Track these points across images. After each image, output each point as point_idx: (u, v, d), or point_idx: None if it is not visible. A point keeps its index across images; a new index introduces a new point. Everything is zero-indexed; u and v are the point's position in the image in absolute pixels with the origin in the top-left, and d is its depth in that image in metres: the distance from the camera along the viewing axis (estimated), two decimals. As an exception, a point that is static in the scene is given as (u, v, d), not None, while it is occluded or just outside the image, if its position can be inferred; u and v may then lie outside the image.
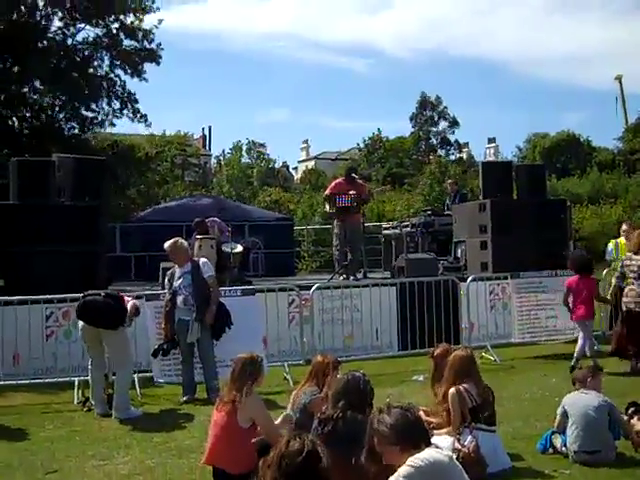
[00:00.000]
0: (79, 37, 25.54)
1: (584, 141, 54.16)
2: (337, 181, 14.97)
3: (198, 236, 13.27)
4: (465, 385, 6.46)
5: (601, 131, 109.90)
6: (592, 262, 11.08)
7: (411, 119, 57.82)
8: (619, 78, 62.05)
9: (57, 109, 25.90)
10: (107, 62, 25.87)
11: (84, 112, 25.90)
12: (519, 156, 54.49)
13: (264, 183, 45.62)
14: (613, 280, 11.19)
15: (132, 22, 25.29)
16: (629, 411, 6.91)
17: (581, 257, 11.23)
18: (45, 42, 24.38)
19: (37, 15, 23.94)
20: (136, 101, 26.27)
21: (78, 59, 25.27)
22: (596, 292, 10.82)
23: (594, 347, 10.63)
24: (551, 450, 6.59)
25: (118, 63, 25.72)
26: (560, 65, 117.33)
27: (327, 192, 14.61)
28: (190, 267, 9.45)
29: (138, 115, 26.41)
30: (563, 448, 6.47)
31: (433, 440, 4.73)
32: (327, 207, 14.46)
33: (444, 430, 6.48)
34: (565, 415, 6.56)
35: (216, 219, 14.42)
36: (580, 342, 10.38)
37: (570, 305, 10.65)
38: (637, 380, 9.46)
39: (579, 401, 6.53)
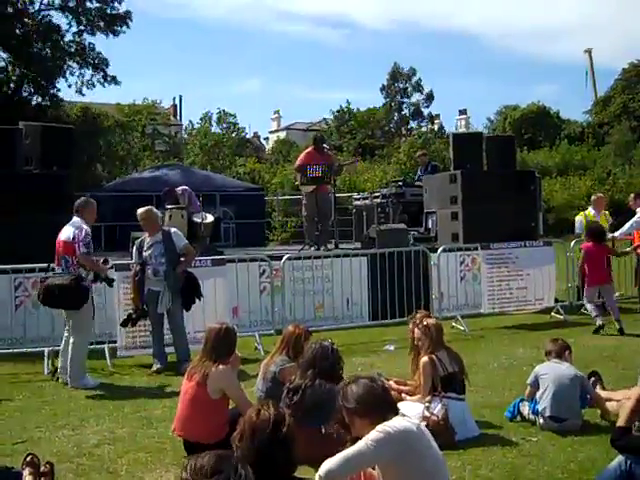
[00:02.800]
0: (45, 1, 25.18)
1: (553, 113, 54.40)
2: (307, 151, 14.83)
3: (168, 206, 13.19)
4: (438, 354, 6.51)
5: (571, 104, 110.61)
6: (605, 230, 11.96)
7: (381, 90, 57.55)
8: (589, 51, 62.42)
9: (23, 79, 25.50)
10: (74, 27, 25.52)
11: (49, 85, 25.60)
12: (490, 128, 54.65)
13: (236, 153, 45.32)
14: None
15: None
16: (591, 380, 7.01)
17: (596, 226, 11.90)
18: (9, 8, 23.91)
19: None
20: (107, 64, 25.96)
21: (42, 27, 24.82)
22: (614, 252, 11.86)
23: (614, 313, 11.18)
24: (519, 418, 6.68)
25: (85, 27, 25.33)
26: (532, 38, 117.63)
27: (298, 163, 14.55)
28: (161, 237, 9.39)
29: (108, 78, 26.14)
30: (531, 415, 6.56)
31: (402, 406, 4.77)
32: (299, 179, 14.40)
33: (415, 397, 6.54)
34: (536, 384, 6.62)
35: (187, 188, 14.32)
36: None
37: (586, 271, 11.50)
38: (603, 351, 9.61)
39: (554, 370, 6.58)
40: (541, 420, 6.44)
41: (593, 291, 11.46)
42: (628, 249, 12.39)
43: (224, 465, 2.91)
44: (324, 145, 14.60)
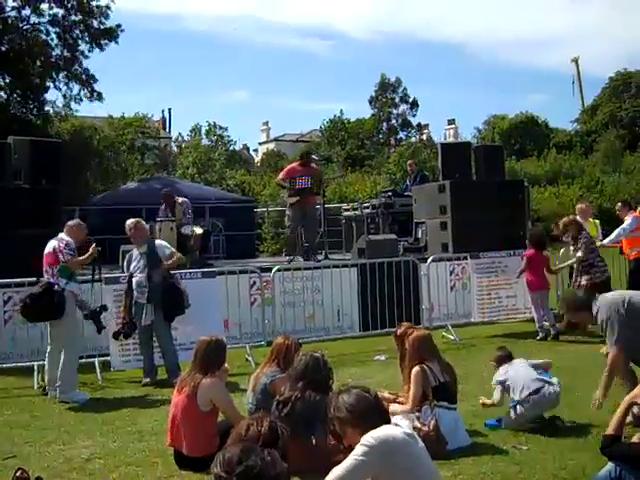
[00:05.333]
0: (32, 19, 25.19)
1: (542, 123, 54.66)
2: (291, 166, 14.92)
3: (158, 219, 13.22)
4: (428, 364, 6.52)
5: (559, 113, 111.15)
6: (545, 239, 12.17)
7: (370, 102, 57.73)
8: (576, 60, 62.91)
9: (11, 93, 25.46)
10: (62, 43, 25.51)
11: (38, 99, 25.60)
12: (478, 137, 54.85)
13: (226, 166, 45.32)
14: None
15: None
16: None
17: (538, 233, 12.26)
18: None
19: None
20: (94, 80, 25.99)
21: (30, 43, 24.84)
22: (548, 265, 11.82)
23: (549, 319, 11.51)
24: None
25: (73, 42, 25.36)
26: (519, 47, 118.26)
27: (281, 177, 14.64)
28: (146, 249, 9.41)
29: (95, 94, 26.16)
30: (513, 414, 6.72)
31: (394, 419, 4.77)
32: (285, 192, 14.35)
33: (404, 407, 6.52)
34: (504, 389, 6.84)
35: (187, 201, 14.30)
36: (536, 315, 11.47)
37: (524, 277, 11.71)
38: (596, 358, 9.61)
39: (511, 370, 6.89)
40: (523, 409, 6.62)
41: (535, 297, 11.57)
42: (561, 265, 12.26)
43: (250, 452, 2.97)
44: (314, 157, 14.66)
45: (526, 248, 12.98)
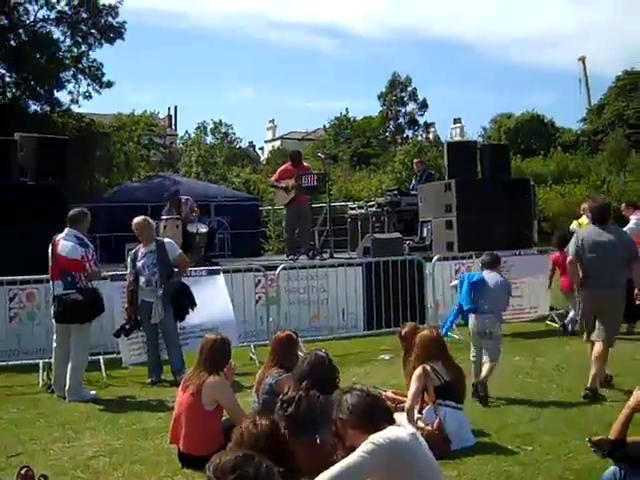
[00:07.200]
0: (40, 14, 25.24)
1: (548, 122, 54.52)
2: (283, 167, 14.96)
3: (163, 217, 13.20)
4: (432, 364, 6.50)
5: (565, 112, 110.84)
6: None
7: (379, 97, 57.59)
8: (583, 59, 62.61)
9: (18, 89, 25.50)
10: (70, 39, 25.57)
11: (47, 94, 25.65)
12: (484, 136, 54.68)
13: (231, 164, 45.23)
14: None
15: None
16: None
17: (564, 234, 12.14)
18: (3, 20, 23.97)
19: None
20: (102, 72, 26.05)
21: (39, 38, 24.90)
22: None
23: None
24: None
25: (80, 40, 25.40)
26: (526, 46, 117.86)
27: (274, 178, 14.74)
28: (155, 246, 9.38)
29: (104, 84, 26.21)
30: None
31: (398, 418, 4.76)
32: (286, 191, 14.22)
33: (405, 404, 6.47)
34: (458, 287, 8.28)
35: (190, 199, 14.30)
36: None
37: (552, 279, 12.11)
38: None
39: (489, 279, 8.07)
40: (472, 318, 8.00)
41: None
42: None
43: (246, 462, 2.90)
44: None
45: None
